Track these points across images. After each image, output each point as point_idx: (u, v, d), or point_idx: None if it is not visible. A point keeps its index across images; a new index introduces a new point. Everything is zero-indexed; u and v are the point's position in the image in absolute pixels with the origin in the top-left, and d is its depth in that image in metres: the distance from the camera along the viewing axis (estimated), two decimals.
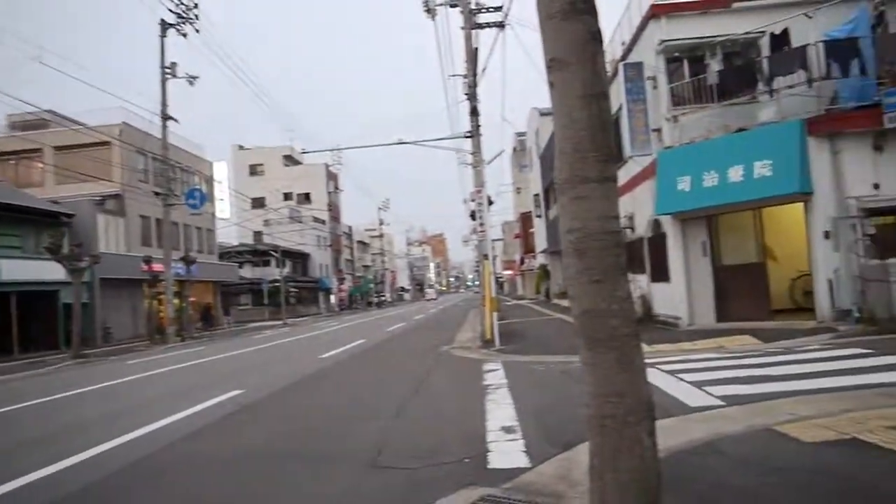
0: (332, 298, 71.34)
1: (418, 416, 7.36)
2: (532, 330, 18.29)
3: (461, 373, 10.83)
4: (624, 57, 16.45)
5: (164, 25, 26.82)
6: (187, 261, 31.52)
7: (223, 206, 44.48)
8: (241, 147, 72.78)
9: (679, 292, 14.15)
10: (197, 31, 27.24)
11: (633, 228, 17.37)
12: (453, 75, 46.62)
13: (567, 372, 9.37)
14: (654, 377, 7.83)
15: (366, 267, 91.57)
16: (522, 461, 4.97)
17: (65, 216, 28.25)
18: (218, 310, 42.87)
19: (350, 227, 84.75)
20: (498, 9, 17.97)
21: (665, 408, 6.05)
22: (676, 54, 14.36)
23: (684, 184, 13.39)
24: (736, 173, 12.54)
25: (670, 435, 4.92)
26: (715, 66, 13.94)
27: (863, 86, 12.22)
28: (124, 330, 31.15)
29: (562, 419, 6.26)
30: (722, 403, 6.38)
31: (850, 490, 3.71)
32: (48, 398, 11.35)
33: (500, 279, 71.49)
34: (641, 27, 15.20)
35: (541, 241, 42.19)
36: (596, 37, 3.17)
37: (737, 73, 13.71)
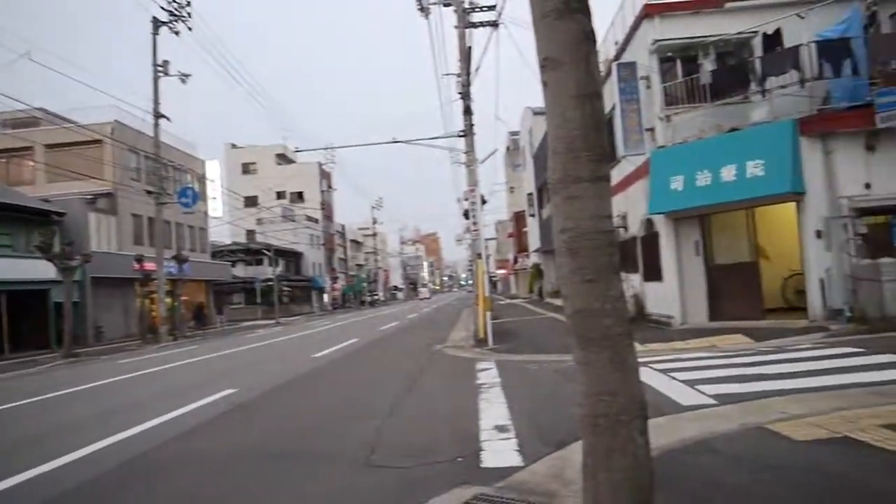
0: (326, 297, 71.23)
1: (411, 415, 7.36)
2: (525, 329, 18.31)
3: (454, 372, 10.83)
4: (617, 56, 16.48)
5: (157, 23, 26.70)
6: (179, 259, 31.39)
7: (216, 204, 44.35)
8: (233, 146, 72.58)
9: (672, 291, 14.19)
10: (189, 28, 27.13)
11: (626, 228, 17.40)
12: (447, 74, 46.52)
13: (560, 371, 9.39)
14: (647, 376, 7.85)
15: (359, 266, 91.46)
16: (515, 460, 4.97)
17: (56, 215, 28.10)
18: (210, 309, 42.74)
19: (343, 226, 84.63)
20: (491, 8, 17.99)
21: (658, 406, 6.06)
22: (670, 54, 14.40)
23: (677, 183, 13.42)
24: (729, 173, 12.58)
25: (663, 433, 4.94)
26: (708, 65, 13.98)
27: (855, 86, 12.28)
28: (116, 329, 31.03)
29: (555, 418, 6.27)
30: (714, 402, 6.40)
31: (842, 488, 3.73)
32: (40, 397, 11.31)
33: (494, 278, 71.57)
34: (635, 27, 15.23)
35: (534, 241, 42.23)
36: (589, 36, 3.17)
37: (730, 72, 13.76)
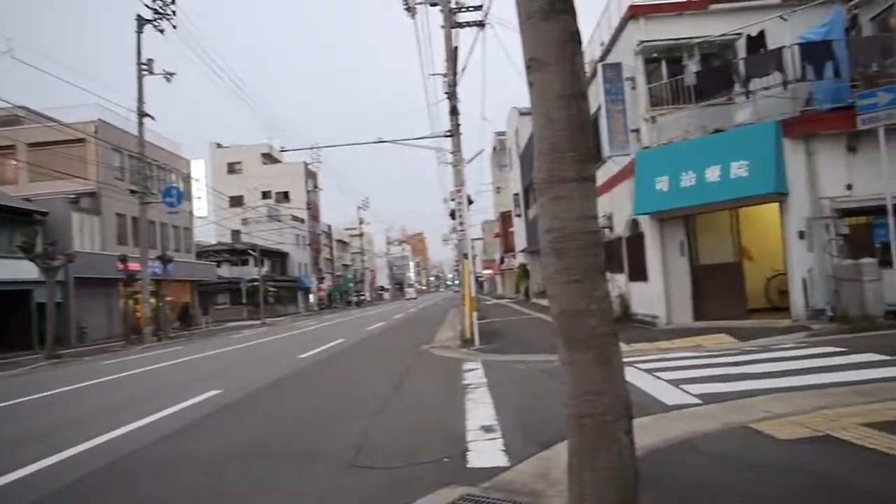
0: (312, 298, 71.00)
1: (398, 415, 7.35)
2: (511, 329, 18.33)
3: (441, 372, 10.82)
4: (603, 57, 16.54)
5: (141, 21, 26.51)
6: (164, 260, 31.18)
7: (201, 204, 44.08)
8: (219, 145, 72.15)
9: (657, 291, 14.26)
10: (174, 27, 26.96)
11: (611, 228, 17.48)
12: (433, 74, 46.46)
13: (546, 371, 9.41)
14: (632, 376, 7.90)
15: (345, 266, 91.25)
16: (502, 460, 4.97)
17: (38, 214, 27.81)
18: (196, 309, 42.47)
19: (329, 226, 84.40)
20: (478, 8, 18.01)
21: (643, 406, 6.09)
22: (655, 55, 14.48)
23: (662, 184, 13.50)
24: (713, 174, 12.67)
25: (648, 433, 4.97)
26: (692, 67, 14.07)
27: (837, 88, 12.42)
28: (100, 330, 30.75)
29: (541, 418, 6.28)
30: (699, 401, 6.44)
31: (825, 487, 3.76)
32: (22, 399, 11.18)
33: (480, 278, 71.69)
34: (620, 28, 15.30)
35: (520, 241, 42.32)
36: (575, 37, 3.18)
37: (714, 74, 13.86)
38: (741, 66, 13.17)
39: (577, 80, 3.17)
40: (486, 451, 5.28)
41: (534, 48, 3.21)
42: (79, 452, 6.35)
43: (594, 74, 15.69)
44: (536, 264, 34.66)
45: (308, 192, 72.29)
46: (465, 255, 17.01)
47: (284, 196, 69.77)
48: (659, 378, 7.92)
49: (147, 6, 26.16)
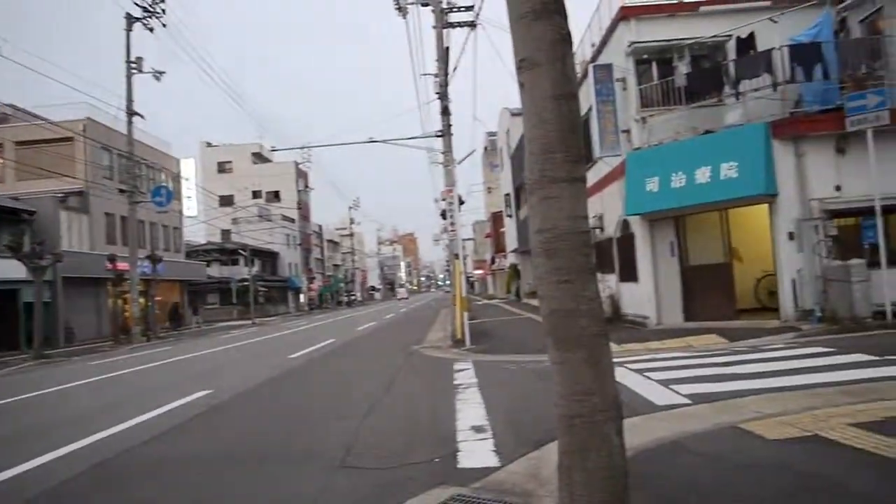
0: (302, 298, 70.82)
1: (388, 415, 7.33)
2: (502, 329, 18.35)
3: (432, 372, 10.81)
4: (594, 58, 16.58)
5: (130, 19, 26.37)
6: (153, 259, 31.02)
7: (190, 203, 43.92)
8: (209, 144, 71.83)
9: (647, 292, 14.31)
10: (164, 25, 26.82)
11: (602, 228, 17.52)
12: (425, 74, 46.44)
13: (537, 371, 9.42)
14: (623, 376, 7.92)
15: (336, 266, 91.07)
16: (492, 460, 4.97)
17: (26, 213, 27.59)
18: (185, 309, 42.27)
19: (320, 226, 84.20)
20: (469, 8, 18.02)
21: (633, 406, 6.11)
22: (645, 56, 14.52)
23: (653, 185, 13.54)
24: (703, 175, 12.72)
25: (638, 433, 4.98)
26: (683, 68, 14.12)
27: (826, 90, 12.51)
28: (88, 330, 30.54)
29: (532, 418, 6.29)
30: (689, 402, 6.47)
31: (813, 487, 3.78)
32: (9, 400, 11.08)
33: (471, 279, 71.73)
34: (611, 29, 15.34)
35: (511, 241, 42.35)
36: (565, 38, 3.18)
37: (704, 75, 13.92)
38: (731, 68, 13.24)
39: (568, 81, 3.17)
40: (476, 452, 5.27)
41: (525, 49, 3.21)
42: (67, 453, 6.29)
43: (585, 75, 15.72)
44: (527, 264, 34.71)
45: (299, 191, 72.07)
46: (456, 256, 17.01)
47: (275, 196, 69.56)
48: (649, 378, 7.94)
49: (136, 4, 26.01)
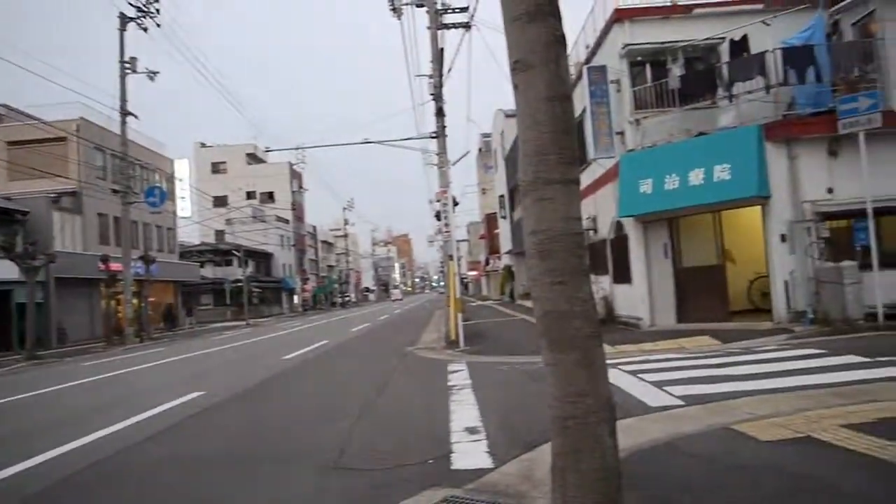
0: (296, 299, 70.70)
1: (382, 416, 7.33)
2: (496, 331, 18.36)
3: (425, 373, 10.81)
4: (588, 60, 16.62)
5: (124, 19, 26.28)
6: (147, 260, 30.90)
7: (184, 204, 43.80)
8: (203, 145, 71.61)
9: (641, 293, 14.34)
10: (158, 25, 26.73)
11: (596, 230, 17.55)
12: (419, 75, 46.48)
13: (530, 372, 9.42)
14: (616, 377, 7.94)
15: (330, 267, 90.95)
16: (486, 462, 4.97)
17: (19, 213, 27.45)
18: (179, 310, 42.14)
19: (314, 227, 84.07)
20: (464, 9, 18.00)
21: (626, 408, 6.12)
22: (639, 58, 14.57)
23: (646, 186, 13.58)
24: (696, 177, 12.76)
25: (631, 434, 4.99)
26: (677, 70, 14.18)
27: (818, 92, 12.57)
28: (80, 330, 30.40)
29: (525, 419, 6.29)
30: (682, 403, 6.48)
31: (806, 488, 3.80)
32: (1, 401, 11.02)
33: (465, 280, 71.73)
34: (605, 31, 15.38)
35: (506, 243, 42.41)
36: (560, 39, 3.18)
37: (698, 78, 13.96)
38: (724, 70, 13.30)
39: (562, 83, 3.18)
40: (470, 453, 5.27)
41: (519, 50, 3.22)
42: (59, 455, 6.26)
43: (579, 77, 15.76)
44: (521, 266, 34.74)
45: (293, 192, 71.97)
46: (451, 257, 17.00)
47: (269, 196, 69.39)
48: (642, 380, 7.96)
49: (130, 4, 25.92)
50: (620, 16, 14.55)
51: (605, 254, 16.82)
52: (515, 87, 3.26)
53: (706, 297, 13.74)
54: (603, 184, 16.27)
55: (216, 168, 69.80)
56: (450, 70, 18.54)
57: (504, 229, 43.11)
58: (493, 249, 51.90)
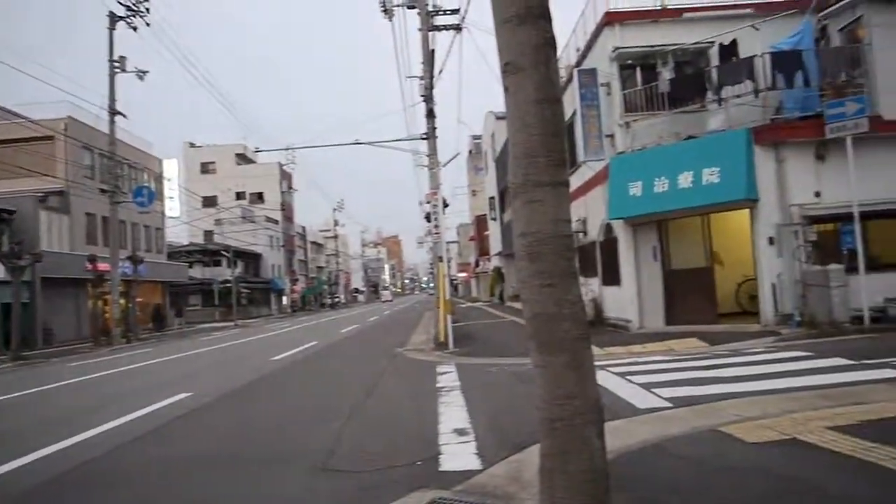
0: (285, 299, 70.44)
1: (371, 418, 7.31)
2: (485, 332, 18.38)
3: (414, 375, 10.80)
4: (578, 63, 16.67)
5: (113, 18, 26.11)
6: (135, 260, 30.71)
7: (173, 204, 43.52)
8: (192, 144, 71.22)
9: (630, 296, 14.38)
10: (148, 24, 26.59)
11: (585, 232, 17.60)
12: (410, 77, 46.40)
13: (519, 374, 9.44)
14: (605, 379, 7.96)
15: (320, 268, 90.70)
16: (474, 463, 4.97)
17: (5, 213, 27.20)
18: (167, 310, 41.89)
19: (304, 228, 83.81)
20: (455, 11, 18.00)
21: (614, 410, 6.14)
22: (629, 61, 14.62)
23: (636, 189, 13.63)
24: (686, 180, 12.83)
25: (619, 436, 5.01)
26: (666, 74, 14.25)
27: (806, 97, 12.66)
28: (67, 331, 30.15)
29: (514, 421, 6.29)
30: (670, 405, 6.51)
31: (792, 490, 3.83)
32: None
33: (455, 281, 71.74)
34: (596, 34, 15.43)
35: (495, 244, 42.46)
36: (550, 42, 3.19)
37: (687, 81, 14.04)
38: (714, 74, 13.37)
39: (552, 85, 3.19)
40: (459, 455, 5.27)
41: (509, 52, 3.22)
42: (44, 456, 6.21)
43: (570, 80, 15.80)
44: (511, 268, 34.77)
45: (282, 192, 71.72)
46: (441, 258, 17.00)
47: (259, 197, 69.07)
48: (631, 381, 7.99)
49: (120, 3, 25.75)
50: (611, 19, 14.60)
51: (595, 256, 16.86)
52: (506, 89, 3.26)
53: (694, 299, 13.80)
54: (593, 186, 16.32)
55: (205, 168, 69.41)
56: (441, 72, 18.55)
57: (494, 231, 43.15)
58: (483, 251, 51.96)
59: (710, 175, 12.48)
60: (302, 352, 16.64)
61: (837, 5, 13.22)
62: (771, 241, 12.43)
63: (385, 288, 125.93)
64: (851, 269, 11.39)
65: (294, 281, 73.38)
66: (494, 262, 44.78)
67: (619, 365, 9.46)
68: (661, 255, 14.25)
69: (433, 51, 17.68)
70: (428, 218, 18.18)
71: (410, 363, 12.69)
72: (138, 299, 32.76)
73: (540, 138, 3.12)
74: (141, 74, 27.39)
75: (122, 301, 28.69)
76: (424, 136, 18.82)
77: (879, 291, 11.48)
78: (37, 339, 27.20)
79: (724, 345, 10.84)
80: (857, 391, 6.30)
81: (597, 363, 3.28)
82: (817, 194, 12.33)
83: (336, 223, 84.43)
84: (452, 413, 7.02)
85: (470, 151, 58.24)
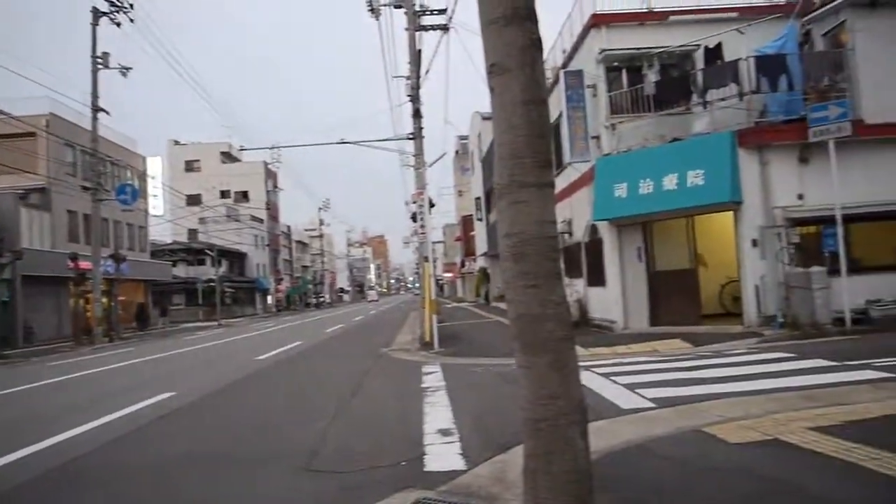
0: (270, 299, 70.08)
1: (355, 418, 7.29)
2: (471, 332, 18.38)
3: (400, 375, 10.78)
4: (565, 65, 16.72)
5: (97, 13, 25.85)
6: (117, 258, 30.39)
7: (157, 202, 43.14)
8: (176, 142, 70.71)
9: (614, 296, 14.44)
10: (132, 20, 26.34)
11: (571, 233, 17.65)
12: (397, 76, 46.41)
13: (504, 374, 9.45)
14: (589, 380, 7.98)
15: (305, 267, 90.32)
16: (459, 464, 4.97)
17: None
18: (150, 310, 41.52)
19: (289, 227, 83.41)
20: (442, 11, 18.01)
21: (598, 410, 6.16)
22: (616, 64, 14.69)
23: (621, 191, 13.69)
24: (670, 181, 12.90)
25: (603, 437, 5.02)
26: (652, 76, 14.30)
27: (790, 100, 12.79)
28: (48, 330, 29.80)
29: (498, 421, 6.29)
30: (653, 405, 6.54)
31: (773, 490, 3.85)
32: None
33: (441, 281, 71.79)
34: (582, 36, 15.48)
35: (481, 245, 42.48)
36: (536, 43, 3.19)
37: (673, 84, 14.11)
38: (699, 77, 13.46)
39: (538, 87, 3.19)
40: (443, 455, 5.26)
41: (495, 53, 3.22)
42: (23, 457, 6.13)
43: (556, 81, 15.85)
44: (497, 268, 34.81)
45: (268, 191, 71.33)
46: (426, 259, 16.99)
47: (244, 196, 68.71)
48: (615, 382, 8.02)
49: None
50: (597, 21, 14.65)
51: (580, 257, 16.92)
52: (492, 90, 3.26)
53: (679, 300, 13.88)
54: (578, 187, 16.37)
55: (190, 166, 68.93)
56: (427, 72, 18.56)
57: (480, 231, 43.18)
58: (469, 251, 51.96)
59: (695, 177, 12.56)
60: (286, 351, 16.56)
61: (821, 10, 13.35)
62: (754, 243, 12.53)
63: (371, 288, 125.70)
64: (833, 271, 11.50)
65: (279, 280, 73.04)
66: (480, 262, 44.81)
67: (604, 365, 9.50)
68: (645, 257, 14.32)
69: (420, 51, 17.69)
70: (414, 218, 18.17)
71: (396, 363, 12.67)
72: (121, 298, 32.44)
73: (525, 139, 3.12)
74: (124, 71, 27.16)
75: (104, 300, 28.40)
76: (411, 136, 18.82)
77: (861, 293, 11.62)
78: (17, 338, 26.87)
79: (708, 346, 10.92)
80: (839, 392, 6.37)
81: (581, 364, 3.28)
82: (800, 197, 12.45)
83: (321, 222, 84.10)
84: (437, 413, 7.02)
85: (456, 152, 58.25)
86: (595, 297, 16.14)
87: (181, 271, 51.94)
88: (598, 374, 8.70)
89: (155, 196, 42.75)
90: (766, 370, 8.09)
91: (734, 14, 14.40)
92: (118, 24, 26.18)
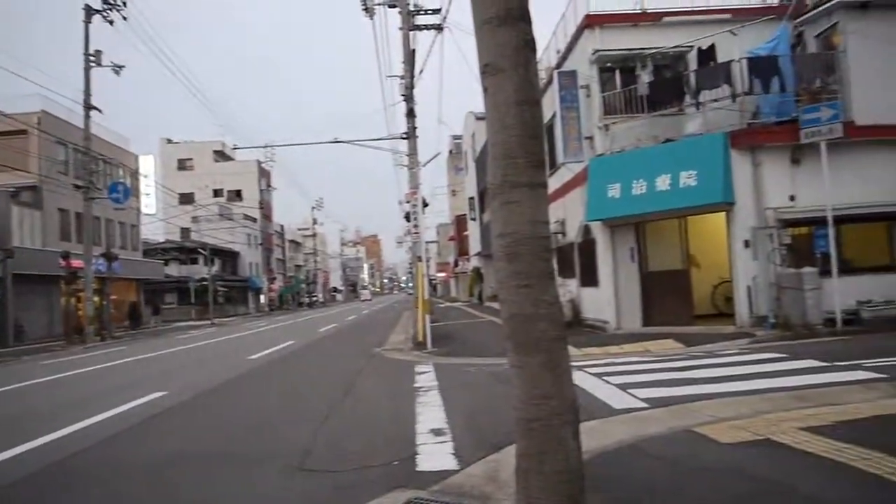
0: (263, 298, 69.90)
1: (348, 418, 7.28)
2: (464, 332, 18.39)
3: (392, 374, 10.78)
4: (559, 65, 16.74)
5: (89, 11, 25.72)
6: (109, 257, 30.24)
7: (149, 201, 42.94)
8: (169, 141, 70.39)
9: (607, 297, 14.47)
10: (125, 18, 26.21)
11: (564, 234, 17.68)
12: (391, 76, 46.31)
13: (496, 374, 9.45)
14: (581, 380, 8.00)
15: (298, 267, 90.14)
16: (451, 463, 4.97)
17: None
18: (142, 308, 41.35)
19: (282, 226, 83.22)
20: (436, 11, 18.00)
21: (591, 410, 6.18)
22: (609, 64, 14.71)
23: (614, 191, 13.72)
24: (663, 182, 12.94)
25: (595, 437, 5.04)
26: (645, 77, 14.36)
27: (782, 102, 12.84)
28: (39, 329, 29.63)
29: (491, 421, 6.30)
30: (645, 405, 6.56)
31: (764, 490, 3.87)
32: None
33: (434, 281, 71.70)
34: (576, 36, 15.50)
35: (475, 244, 42.50)
36: (529, 44, 3.19)
37: (666, 85, 14.16)
38: (692, 78, 13.51)
39: (531, 87, 3.19)
40: (436, 455, 5.27)
41: (489, 54, 3.22)
42: (13, 456, 6.10)
43: (550, 82, 15.86)
44: (490, 268, 34.83)
45: (261, 190, 71.14)
46: (420, 258, 16.98)
47: (237, 194, 68.44)
48: (607, 382, 8.04)
49: None
50: (591, 22, 14.68)
51: (573, 257, 16.94)
52: (485, 90, 3.26)
53: (671, 301, 13.93)
54: (572, 188, 16.40)
55: (182, 165, 68.62)
56: (421, 71, 18.56)
57: (473, 231, 43.20)
58: (463, 251, 51.96)
59: (688, 178, 12.61)
60: (279, 351, 16.53)
61: (813, 12, 13.43)
62: (746, 243, 12.58)
63: (364, 287, 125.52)
64: (825, 272, 11.56)
65: (272, 279, 72.86)
66: (474, 262, 44.81)
67: (596, 365, 9.52)
68: (638, 257, 14.36)
69: (414, 50, 17.67)
70: (407, 217, 18.16)
71: (388, 363, 12.66)
72: (113, 297, 32.27)
73: (519, 140, 3.12)
74: (117, 69, 27.00)
75: (95, 298, 28.27)
76: (405, 136, 18.79)
77: (852, 294, 11.69)
78: (8, 337, 26.71)
79: (700, 346, 10.96)
80: (830, 392, 6.40)
81: (574, 364, 3.29)
82: (792, 198, 12.51)
83: (315, 222, 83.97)
84: (430, 413, 7.02)
85: (450, 151, 58.22)
86: (588, 298, 16.16)
87: (174, 270, 51.72)
88: (590, 374, 8.72)
89: (147, 195, 42.54)
90: (757, 370, 8.12)
91: (727, 15, 14.46)
92: (111, 22, 26.02)
